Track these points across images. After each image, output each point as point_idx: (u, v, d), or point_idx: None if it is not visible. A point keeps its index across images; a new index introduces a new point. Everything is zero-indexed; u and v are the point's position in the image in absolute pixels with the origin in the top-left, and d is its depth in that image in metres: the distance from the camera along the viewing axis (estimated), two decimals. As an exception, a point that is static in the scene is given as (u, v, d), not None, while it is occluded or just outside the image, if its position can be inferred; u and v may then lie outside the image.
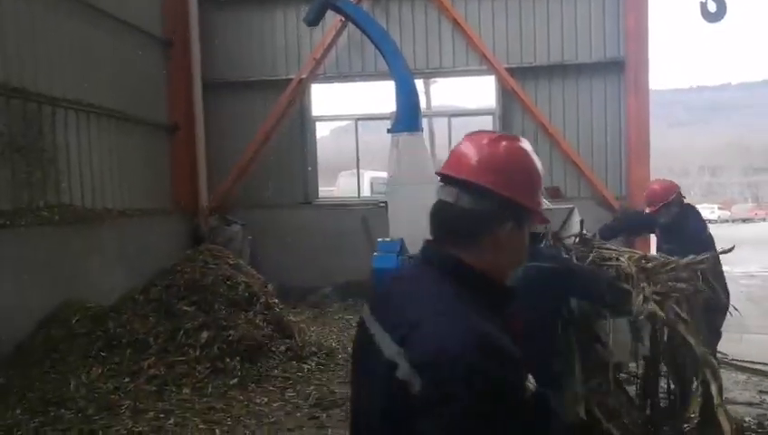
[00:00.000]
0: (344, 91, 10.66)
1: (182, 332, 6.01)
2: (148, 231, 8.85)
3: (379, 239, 6.79)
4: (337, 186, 18.51)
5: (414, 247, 6.45)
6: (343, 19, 9.92)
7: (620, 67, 9.67)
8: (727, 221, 46.09)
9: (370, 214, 10.44)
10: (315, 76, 10.41)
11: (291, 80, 10.39)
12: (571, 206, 5.74)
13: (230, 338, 6.03)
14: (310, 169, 10.62)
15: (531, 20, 9.97)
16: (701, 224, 5.11)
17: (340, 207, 10.66)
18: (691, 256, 3.65)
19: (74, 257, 7.19)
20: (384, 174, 15.01)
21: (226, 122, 10.53)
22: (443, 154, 11.00)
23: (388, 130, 7.03)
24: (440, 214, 1.40)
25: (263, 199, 10.48)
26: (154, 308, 6.32)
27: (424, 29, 10.13)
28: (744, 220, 48.16)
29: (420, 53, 10.17)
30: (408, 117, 6.73)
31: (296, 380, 5.99)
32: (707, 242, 4.65)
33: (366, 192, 12.39)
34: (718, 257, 4.14)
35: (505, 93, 10.05)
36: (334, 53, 10.40)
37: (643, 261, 3.73)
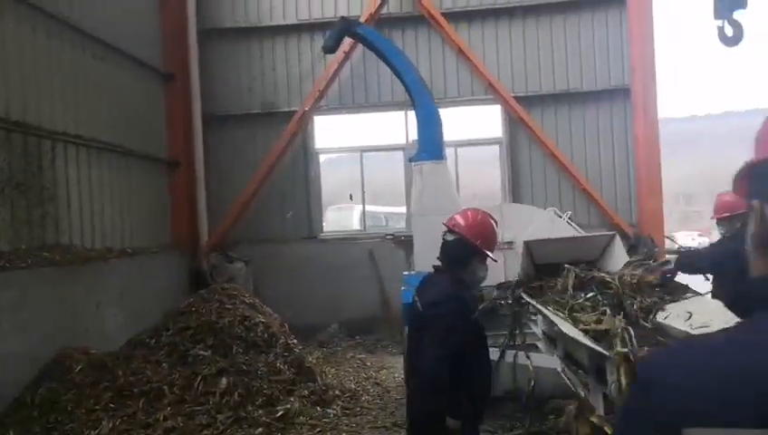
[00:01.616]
0: (347, 122, 10.44)
1: (199, 378, 5.58)
2: (148, 271, 8.41)
3: (405, 273, 6.49)
4: (325, 220, 18.21)
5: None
6: (347, 50, 9.86)
7: (627, 94, 9.66)
8: (707, 247, 46.73)
9: (377, 247, 10.17)
10: (318, 108, 10.20)
11: (293, 112, 10.18)
12: (611, 233, 5.54)
13: (251, 384, 5.60)
14: (314, 202, 10.32)
15: (535, 48, 9.97)
16: None
17: (346, 240, 10.34)
18: None
19: (74, 301, 6.72)
20: (379, 208, 14.79)
21: (227, 156, 10.23)
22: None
23: (410, 160, 6.80)
24: None
25: (265, 235, 10.13)
26: (167, 353, 5.89)
27: (428, 57, 10.03)
28: (723, 246, 48.90)
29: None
30: (431, 145, 6.52)
31: (324, 427, 5.57)
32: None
33: (356, 226, 12.12)
34: None
35: (512, 122, 9.95)
36: (337, 84, 10.24)
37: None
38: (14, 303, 5.82)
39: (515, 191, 9.92)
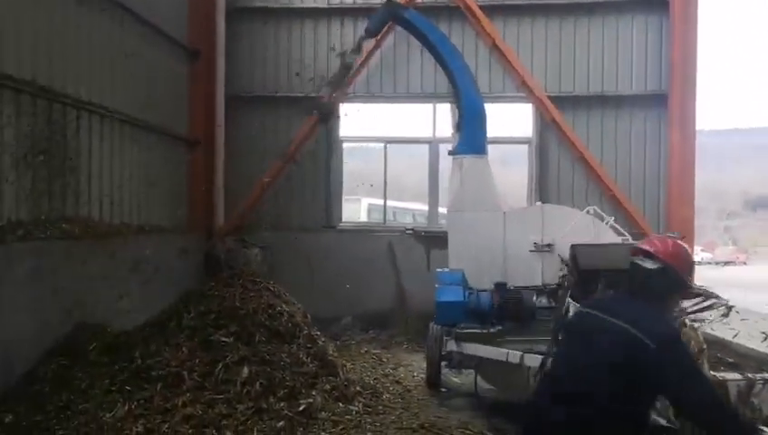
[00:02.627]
0: (373, 112, 10.18)
1: (221, 365, 5.34)
2: (164, 250, 8.19)
3: (438, 270, 6.25)
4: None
5: (477, 280, 5.93)
6: (378, 38, 9.61)
7: (663, 100, 9.40)
8: (710, 263, 46.47)
9: (396, 241, 9.93)
10: (344, 95, 9.94)
11: (318, 98, 9.92)
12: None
13: (274, 375, 5.37)
14: (334, 191, 10.07)
15: (571, 48, 9.71)
16: None
17: (365, 232, 10.10)
18: None
19: (91, 276, 6.48)
20: (393, 203, 14.50)
21: (248, 139, 9.99)
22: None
23: (450, 152, 6.56)
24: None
25: (283, 222, 9.89)
26: (187, 337, 5.64)
27: (460, 49, 9.73)
28: (726, 263, 48.62)
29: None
30: (474, 138, 6.28)
31: (347, 424, 5.34)
32: None
33: (363, 218, 11.91)
34: None
35: (543, 122, 9.70)
36: (365, 72, 9.98)
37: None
38: (32, 274, 5.58)
39: (542, 193, 9.67)
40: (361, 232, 10.10)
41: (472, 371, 6.69)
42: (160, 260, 7.98)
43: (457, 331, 5.52)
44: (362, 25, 10.01)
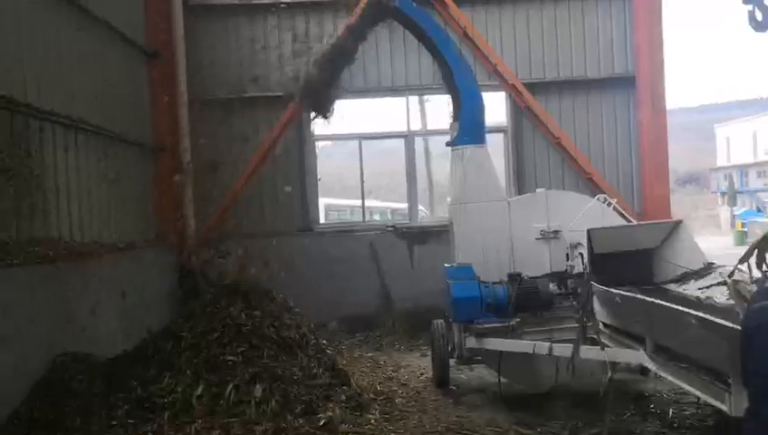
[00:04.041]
0: (345, 108, 9.87)
1: (231, 386, 4.97)
2: (141, 267, 7.64)
3: (446, 265, 6.07)
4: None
5: (484, 272, 5.79)
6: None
7: (631, 83, 9.57)
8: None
9: (378, 239, 9.71)
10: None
11: (285, 96, 9.55)
12: (677, 220, 5.31)
13: (288, 391, 5.05)
14: (310, 192, 9.73)
15: (539, 34, 9.75)
16: None
17: (345, 232, 9.82)
18: None
19: (68, 301, 5.92)
20: (341, 201, 14.27)
21: (216, 143, 9.47)
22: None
23: (448, 144, 6.37)
24: None
25: (258, 227, 9.45)
26: (189, 359, 5.23)
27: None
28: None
29: (426, 65, 9.63)
30: (473, 128, 6.12)
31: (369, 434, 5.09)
32: None
33: (322, 220, 11.60)
34: None
35: (516, 109, 9.68)
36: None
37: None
38: (7, 304, 5.02)
39: (519, 180, 9.67)
40: (341, 233, 9.82)
41: (477, 366, 6.59)
42: (137, 278, 7.45)
43: (477, 327, 5.36)
44: (328, 20, 9.79)
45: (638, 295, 4.00)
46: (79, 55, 6.89)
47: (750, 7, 6.55)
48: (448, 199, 6.41)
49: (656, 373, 5.20)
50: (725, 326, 2.95)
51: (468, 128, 6.08)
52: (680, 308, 3.42)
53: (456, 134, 6.19)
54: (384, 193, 12.07)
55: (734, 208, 33.87)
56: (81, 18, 6.93)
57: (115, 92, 7.83)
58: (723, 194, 39.35)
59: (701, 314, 3.18)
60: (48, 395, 5.07)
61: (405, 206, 10.22)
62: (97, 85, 7.33)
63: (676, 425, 4.99)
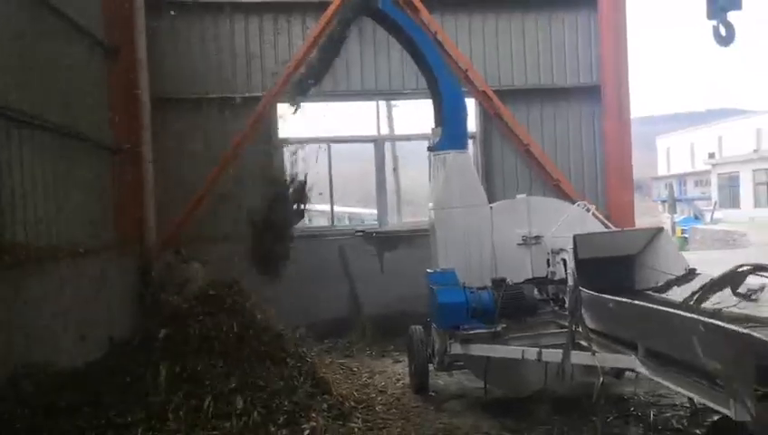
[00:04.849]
0: (314, 112, 9.69)
1: (210, 398, 4.73)
2: (101, 273, 7.23)
3: (429, 270, 5.99)
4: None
5: (467, 277, 5.75)
6: (316, 35, 9.20)
7: (597, 92, 9.80)
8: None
9: (347, 244, 9.56)
10: (281, 94, 9.38)
11: (252, 98, 9.32)
12: (658, 227, 5.41)
13: (270, 401, 4.85)
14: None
15: (508, 42, 9.86)
16: None
17: (313, 237, 9.61)
18: None
19: (25, 309, 5.52)
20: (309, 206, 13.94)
21: (179, 144, 9.11)
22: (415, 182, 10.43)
23: (429, 148, 6.31)
24: None
25: (223, 232, 9.12)
26: (163, 370, 4.94)
27: (399, 45, 9.53)
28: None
29: (396, 69, 9.60)
30: (455, 134, 6.08)
31: (354, 445, 4.95)
32: None
33: None
34: None
35: (486, 116, 9.74)
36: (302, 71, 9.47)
37: None
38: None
39: (488, 186, 9.71)
40: (309, 238, 9.59)
41: (456, 371, 6.55)
42: (98, 284, 7.05)
43: (463, 333, 5.30)
44: (297, 21, 9.63)
45: (635, 301, 4.03)
46: (34, 48, 6.47)
47: (714, 23, 6.81)
48: (430, 205, 6.34)
49: (635, 376, 5.32)
50: (734, 331, 2.98)
51: (451, 133, 6.05)
52: (685, 314, 3.45)
53: (437, 139, 6.15)
54: (345, 198, 11.92)
55: (675, 216, 35.34)
56: (35, 8, 6.51)
57: (73, 89, 7.40)
58: (663, 202, 41.03)
59: (708, 320, 3.21)
60: (9, 409, 4.70)
61: (368, 211, 10.16)
62: (54, 81, 6.90)
63: (660, 428, 5.07)
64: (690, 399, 5.26)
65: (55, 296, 5.97)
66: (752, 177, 34.32)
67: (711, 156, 42.11)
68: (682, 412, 5.32)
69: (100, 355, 5.59)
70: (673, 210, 37.60)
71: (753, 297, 3.85)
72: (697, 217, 35.71)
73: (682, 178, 50.06)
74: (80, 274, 6.65)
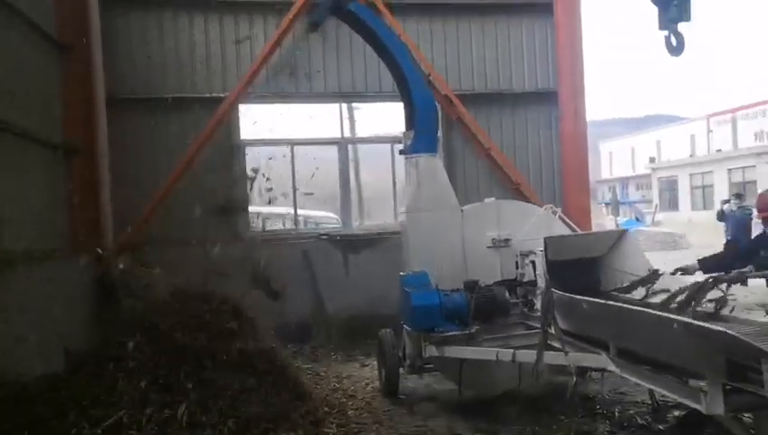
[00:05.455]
0: (276, 113, 9.61)
1: (183, 410, 4.59)
2: (56, 279, 6.90)
3: (401, 273, 6.01)
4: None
5: (438, 279, 5.82)
6: (280, 34, 9.12)
7: (554, 97, 10.08)
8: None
9: (311, 247, 9.49)
10: (244, 96, 9.24)
11: (213, 99, 9.14)
12: (622, 229, 5.61)
13: (247, 410, 4.76)
14: (239, 198, 9.32)
15: (468, 47, 10.04)
16: None
17: (276, 241, 9.49)
18: None
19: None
20: (272, 209, 13.77)
21: (136, 146, 8.85)
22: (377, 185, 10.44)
23: (401, 152, 6.34)
24: None
25: (183, 235, 8.88)
26: (130, 381, 4.78)
27: (362, 49, 9.53)
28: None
29: (359, 72, 9.61)
30: (426, 137, 6.13)
31: (331, 451, 4.92)
32: None
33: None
34: None
35: (448, 121, 9.87)
36: (264, 72, 9.37)
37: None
38: None
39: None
40: (272, 241, 9.47)
41: (426, 374, 6.61)
42: (53, 291, 6.72)
43: (437, 335, 5.36)
44: (258, 21, 9.50)
45: (609, 302, 4.17)
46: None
47: (666, 33, 7.14)
48: (402, 209, 6.38)
49: (602, 375, 5.51)
50: (706, 329, 3.13)
51: (422, 137, 6.11)
52: (659, 313, 3.60)
53: (409, 143, 6.20)
54: (309, 201, 11.83)
55: (618, 218, 36.71)
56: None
57: (23, 86, 7.05)
58: (607, 205, 42.59)
59: (681, 318, 3.36)
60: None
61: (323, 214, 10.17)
62: (2, 78, 6.56)
63: (625, 425, 5.27)
64: (652, 396, 5.51)
65: (8, 304, 5.66)
66: (689, 181, 36.05)
67: (651, 160, 44.01)
68: (644, 409, 5.54)
69: (61, 366, 5.31)
70: (616, 213, 39.07)
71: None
72: (639, 220, 37.24)
73: (624, 182, 52.09)
74: (32, 280, 6.33)
